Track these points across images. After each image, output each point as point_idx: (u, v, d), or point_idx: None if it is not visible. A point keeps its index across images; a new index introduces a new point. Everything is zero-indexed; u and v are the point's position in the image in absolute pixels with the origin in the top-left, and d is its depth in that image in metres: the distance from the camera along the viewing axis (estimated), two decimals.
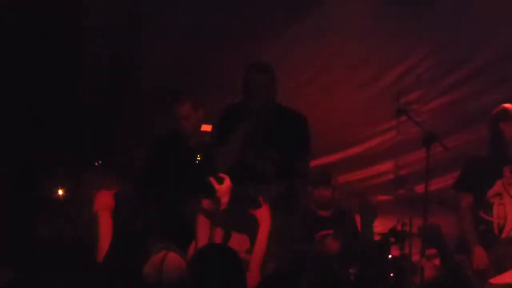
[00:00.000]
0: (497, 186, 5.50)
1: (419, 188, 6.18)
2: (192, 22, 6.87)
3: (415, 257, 6.02)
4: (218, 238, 5.11)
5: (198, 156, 5.13)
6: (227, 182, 4.76)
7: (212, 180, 4.66)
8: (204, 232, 5.04)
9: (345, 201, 6.78)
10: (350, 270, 5.95)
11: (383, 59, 6.93)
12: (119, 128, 6.92)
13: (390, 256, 6.10)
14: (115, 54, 6.99)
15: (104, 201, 5.33)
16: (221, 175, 4.82)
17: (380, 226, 6.72)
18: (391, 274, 5.97)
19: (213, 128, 5.38)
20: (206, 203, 4.99)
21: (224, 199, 4.86)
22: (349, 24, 6.80)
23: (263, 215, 5.01)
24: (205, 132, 5.50)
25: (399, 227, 6.21)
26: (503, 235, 5.48)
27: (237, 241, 5.11)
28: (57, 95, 6.72)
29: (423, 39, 6.95)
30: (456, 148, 6.65)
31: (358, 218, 6.66)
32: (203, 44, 6.89)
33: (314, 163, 7.00)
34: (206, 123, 5.40)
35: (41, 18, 6.61)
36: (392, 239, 6.17)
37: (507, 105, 5.56)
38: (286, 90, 6.81)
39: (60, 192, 6.41)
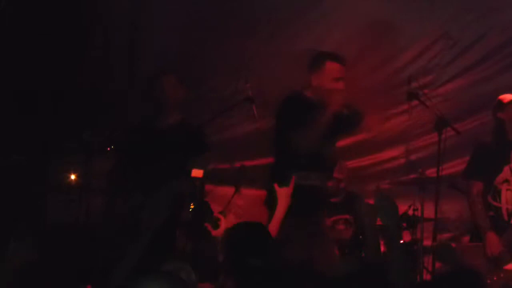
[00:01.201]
0: (505, 172, 5.52)
1: (431, 173, 6.19)
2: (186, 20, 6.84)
3: (426, 242, 6.02)
4: None
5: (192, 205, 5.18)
6: (223, 224, 4.73)
7: (208, 226, 4.65)
8: None
9: (356, 186, 6.78)
10: (362, 255, 5.98)
11: (394, 45, 6.88)
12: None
13: (401, 241, 6.10)
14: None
15: None
16: (217, 214, 4.81)
17: None
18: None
19: (281, 115, 5.26)
20: None
21: None
22: (360, 7, 6.74)
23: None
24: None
25: (410, 212, 6.22)
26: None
27: None
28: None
29: (434, 22, 6.89)
30: (468, 133, 6.63)
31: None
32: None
33: None
34: None
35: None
36: (404, 224, 6.18)
37: (501, 97, 5.63)
38: (297, 75, 6.89)
39: (73, 177, 6.45)
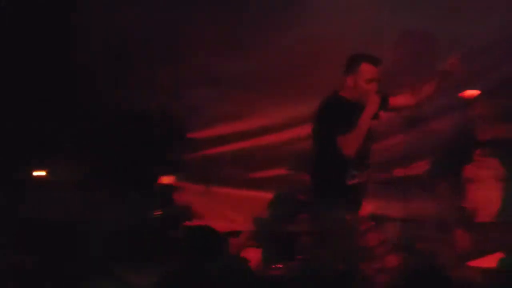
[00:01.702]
0: (469, 171, 5.59)
1: (399, 172, 6.24)
2: None
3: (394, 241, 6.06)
4: None
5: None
6: None
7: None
8: None
9: None
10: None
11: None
12: None
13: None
14: None
15: None
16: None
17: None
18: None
19: (324, 118, 5.38)
20: None
21: None
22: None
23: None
24: None
25: (378, 212, 6.25)
26: (478, 220, 5.56)
27: None
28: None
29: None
30: (435, 132, 6.70)
31: None
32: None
33: (294, 146, 7.11)
34: None
35: None
36: (372, 223, 6.21)
37: (466, 93, 5.71)
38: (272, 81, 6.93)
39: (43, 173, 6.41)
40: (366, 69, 5.22)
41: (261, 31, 6.70)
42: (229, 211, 7.08)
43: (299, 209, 6.47)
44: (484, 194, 5.63)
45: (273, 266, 6.00)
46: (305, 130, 7.01)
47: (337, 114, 5.22)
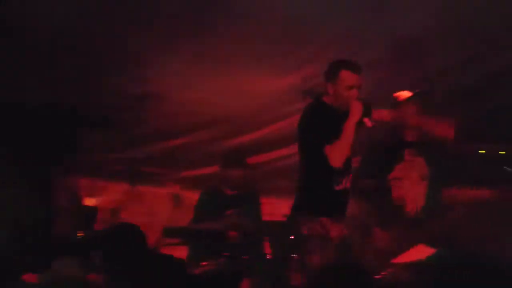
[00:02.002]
0: (397, 170, 5.64)
1: None
2: None
3: None
4: None
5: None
6: None
7: None
8: None
9: (252, 182, 6.81)
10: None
11: (290, 44, 6.92)
12: None
13: (292, 237, 6.14)
14: None
15: None
16: None
17: (286, 207, 6.77)
18: (293, 255, 6.02)
19: (305, 126, 5.35)
20: None
21: None
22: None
23: None
24: None
25: None
26: (404, 216, 5.62)
27: None
28: None
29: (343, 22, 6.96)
30: (362, 132, 6.75)
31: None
32: None
33: (227, 143, 7.09)
34: None
35: None
36: None
37: (397, 94, 5.77)
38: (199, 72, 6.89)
39: None
40: (346, 76, 5.19)
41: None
42: (154, 208, 7.02)
43: (227, 205, 6.47)
44: (410, 192, 5.69)
45: (200, 263, 5.97)
46: (234, 127, 7.13)
47: (321, 122, 5.21)
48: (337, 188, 5.21)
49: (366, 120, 5.14)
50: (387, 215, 5.66)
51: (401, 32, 6.48)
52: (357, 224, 5.96)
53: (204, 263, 5.82)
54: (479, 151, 6.03)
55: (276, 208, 7.02)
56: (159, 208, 6.92)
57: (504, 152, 5.99)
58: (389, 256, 5.40)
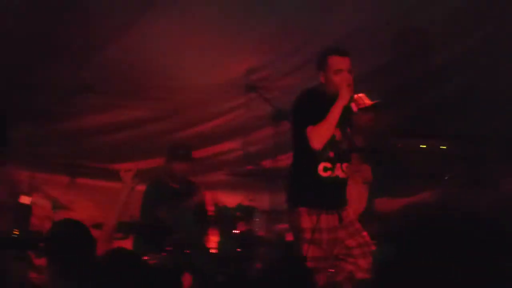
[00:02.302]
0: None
1: (267, 164, 6.28)
2: None
3: (261, 232, 6.11)
4: None
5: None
6: None
7: None
8: None
9: (196, 176, 6.79)
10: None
11: (234, 38, 6.91)
12: None
13: (236, 231, 6.15)
14: None
15: None
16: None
17: (228, 202, 6.79)
18: (238, 249, 6.03)
19: (296, 110, 5.22)
20: None
21: None
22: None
23: None
24: None
25: (246, 202, 6.29)
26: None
27: None
28: None
29: (275, 16, 6.96)
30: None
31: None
32: None
33: (171, 137, 7.04)
34: None
35: None
36: (238, 214, 6.24)
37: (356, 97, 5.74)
38: (140, 69, 6.83)
39: None
40: (333, 61, 5.12)
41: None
42: (96, 202, 6.94)
43: (173, 199, 6.44)
44: (354, 193, 5.71)
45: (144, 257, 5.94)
46: (178, 121, 7.10)
47: (308, 105, 5.13)
48: (324, 174, 5.11)
49: (353, 104, 5.05)
50: None
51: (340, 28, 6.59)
52: None
53: (146, 258, 5.80)
54: (420, 146, 6.10)
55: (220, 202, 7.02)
56: (101, 202, 6.80)
57: (444, 147, 6.07)
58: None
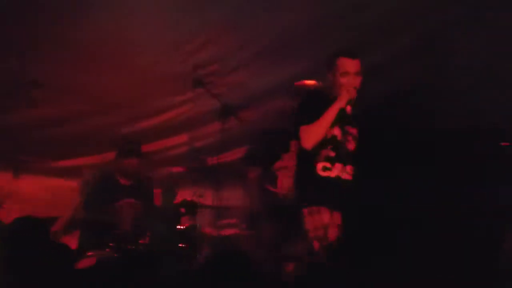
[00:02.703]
0: (284, 160, 5.69)
1: (213, 160, 6.27)
2: None
3: (206, 228, 6.11)
4: None
5: None
6: None
7: None
8: None
9: (143, 172, 6.75)
10: (140, 241, 5.96)
11: (180, 32, 6.89)
12: None
13: (181, 226, 6.14)
14: None
15: None
16: None
17: (180, 197, 6.78)
18: (181, 245, 6.01)
19: (299, 109, 5.18)
20: None
21: None
22: None
23: None
24: None
25: (192, 198, 6.27)
26: (287, 205, 5.68)
27: None
28: None
29: (221, 11, 6.94)
30: (250, 121, 6.82)
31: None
32: None
33: (118, 132, 6.99)
34: None
35: None
36: (183, 210, 6.22)
37: (298, 83, 5.77)
38: (84, 63, 6.77)
39: None
40: (341, 63, 5.09)
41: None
42: (46, 198, 6.87)
43: (122, 195, 6.40)
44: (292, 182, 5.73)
45: (88, 253, 5.89)
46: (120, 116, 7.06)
47: (306, 105, 5.12)
48: (323, 174, 5.08)
49: (348, 107, 5.06)
50: (272, 203, 5.70)
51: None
52: (245, 215, 6.03)
53: (90, 253, 5.76)
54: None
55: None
56: (44, 198, 6.74)
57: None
58: (275, 247, 5.47)
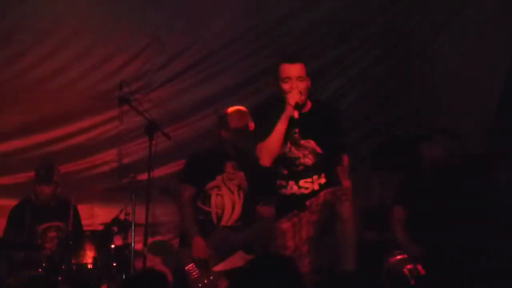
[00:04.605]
0: (217, 180, 5.75)
1: (142, 177, 6.26)
2: None
3: (138, 246, 6.09)
4: None
5: None
6: None
7: None
8: None
9: (68, 191, 6.68)
10: (73, 261, 5.93)
11: (105, 50, 6.88)
12: None
13: (112, 245, 6.11)
14: None
15: None
16: None
17: (104, 215, 6.74)
18: (114, 264, 5.99)
19: (254, 122, 5.19)
20: None
21: None
22: (70, 11, 6.66)
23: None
24: None
25: (122, 217, 6.25)
26: (221, 224, 5.74)
27: None
28: None
29: (145, 27, 6.97)
30: (178, 137, 6.88)
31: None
32: None
33: (35, 154, 6.90)
34: None
35: None
36: (115, 229, 6.20)
37: (222, 113, 5.83)
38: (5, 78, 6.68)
39: None
40: (282, 69, 5.00)
41: None
42: None
43: (41, 218, 6.33)
44: (226, 201, 5.79)
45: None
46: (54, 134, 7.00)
47: (257, 121, 5.14)
48: (281, 191, 5.12)
49: (296, 112, 4.91)
50: (205, 222, 5.74)
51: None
52: (178, 232, 6.04)
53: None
54: None
55: (94, 216, 6.96)
56: None
57: None
58: (210, 265, 5.51)
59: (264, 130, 4.98)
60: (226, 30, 6.97)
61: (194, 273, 5.47)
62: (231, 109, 5.79)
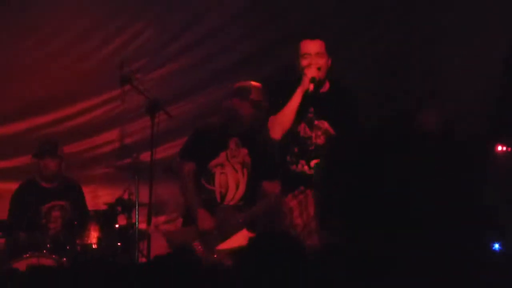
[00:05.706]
0: (221, 157, 5.72)
1: (145, 157, 6.26)
2: None
3: (142, 226, 6.10)
4: None
5: None
6: None
7: None
8: None
9: (71, 172, 6.68)
10: (77, 241, 5.95)
11: (106, 29, 6.85)
12: None
13: (117, 225, 6.13)
14: None
15: None
16: None
17: (107, 196, 6.74)
18: (119, 244, 6.01)
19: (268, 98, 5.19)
20: None
21: None
22: None
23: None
24: None
25: (125, 196, 6.25)
26: (225, 203, 5.73)
27: None
28: None
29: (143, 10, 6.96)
30: (180, 116, 6.86)
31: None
32: None
33: (37, 133, 6.90)
34: None
35: None
36: (119, 208, 6.21)
37: (240, 84, 5.77)
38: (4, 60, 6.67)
39: None
40: (302, 46, 4.96)
41: None
42: None
43: (46, 198, 6.32)
44: (230, 179, 5.77)
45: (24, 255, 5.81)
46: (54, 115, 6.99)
47: (272, 95, 5.10)
48: (292, 168, 5.07)
49: (311, 85, 4.83)
50: (208, 201, 5.73)
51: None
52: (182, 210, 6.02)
53: (26, 255, 5.69)
54: None
55: (97, 196, 6.96)
56: None
57: None
58: (214, 243, 5.52)
59: (278, 104, 4.95)
60: (227, 6, 6.94)
61: (199, 251, 5.47)
62: (253, 82, 5.75)
